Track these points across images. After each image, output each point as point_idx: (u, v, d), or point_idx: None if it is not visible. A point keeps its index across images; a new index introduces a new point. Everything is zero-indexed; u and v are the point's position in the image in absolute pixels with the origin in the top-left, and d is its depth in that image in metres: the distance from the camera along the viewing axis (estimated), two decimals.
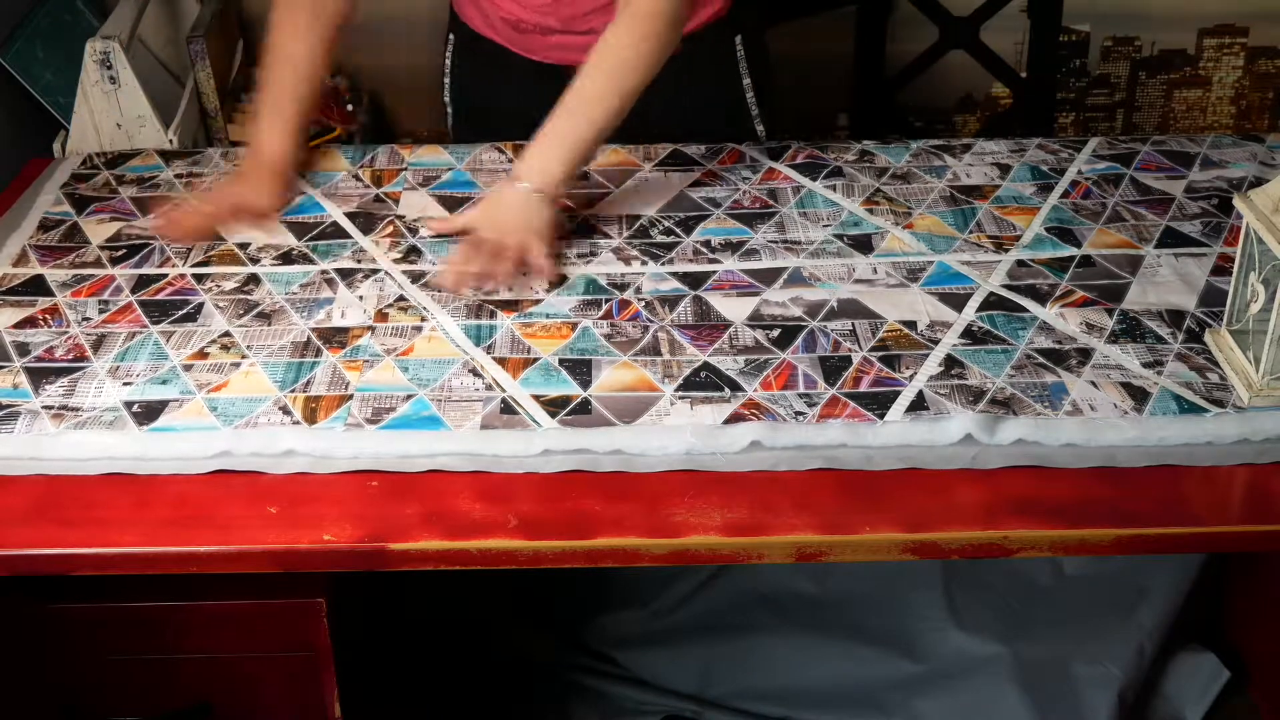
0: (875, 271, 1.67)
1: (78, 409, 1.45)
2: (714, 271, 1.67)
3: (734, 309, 1.60)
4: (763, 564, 1.67)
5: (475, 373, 1.50)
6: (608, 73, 1.70)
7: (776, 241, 1.73)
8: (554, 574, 1.65)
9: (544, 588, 2.10)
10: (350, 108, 2.57)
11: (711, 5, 1.92)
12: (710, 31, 1.92)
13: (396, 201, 1.84)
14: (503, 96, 1.96)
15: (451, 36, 2.05)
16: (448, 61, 2.07)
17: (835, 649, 2.05)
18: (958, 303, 1.61)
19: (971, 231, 1.75)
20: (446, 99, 2.09)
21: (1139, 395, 1.45)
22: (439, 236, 1.74)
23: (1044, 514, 1.34)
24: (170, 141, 2.15)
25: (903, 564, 2.00)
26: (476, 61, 2.01)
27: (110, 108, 2.11)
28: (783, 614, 2.08)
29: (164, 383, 1.48)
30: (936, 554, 1.35)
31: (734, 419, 1.42)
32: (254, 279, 1.67)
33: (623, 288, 1.65)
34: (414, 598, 2.05)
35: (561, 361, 1.52)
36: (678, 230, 1.76)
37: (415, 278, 1.67)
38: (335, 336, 1.56)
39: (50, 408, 1.45)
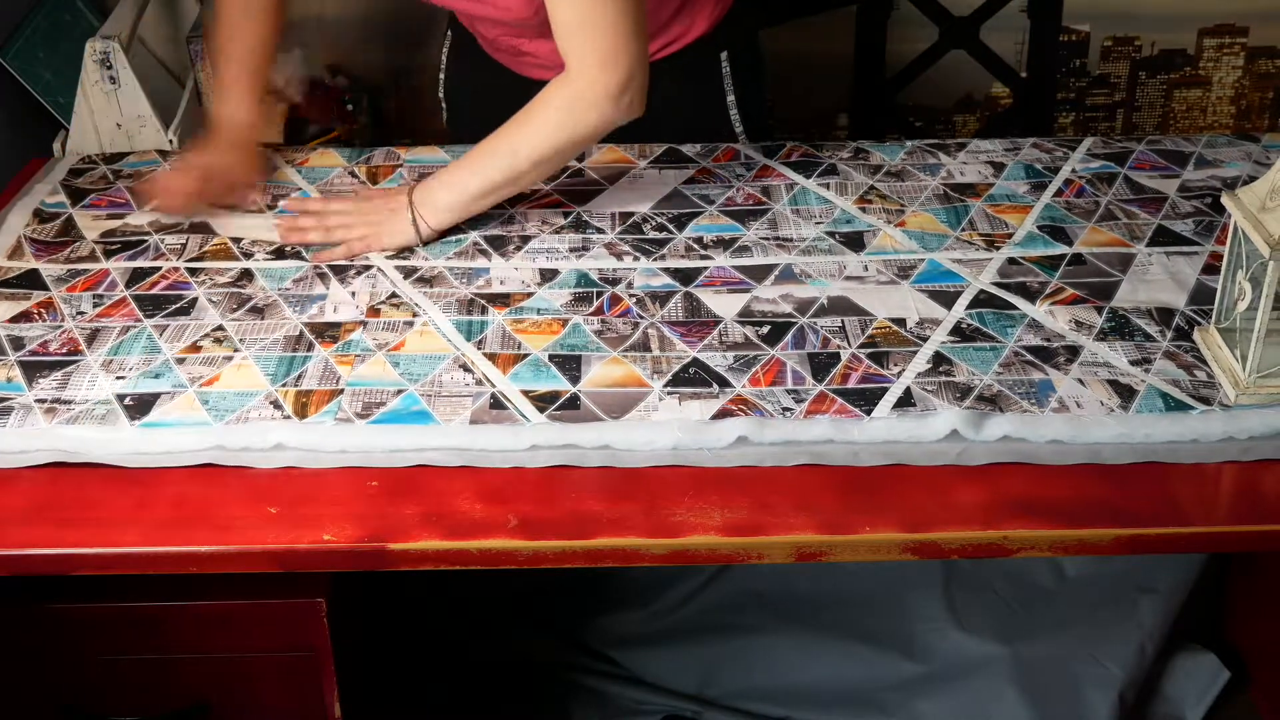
0: (866, 269, 1.67)
1: (70, 402, 1.46)
2: (705, 268, 1.68)
3: (724, 305, 1.60)
4: (762, 564, 1.67)
5: (465, 368, 1.51)
6: (520, 131, 1.68)
7: (768, 239, 1.74)
8: (554, 574, 1.66)
9: (544, 588, 2.11)
10: (350, 108, 2.58)
11: (696, 26, 1.92)
12: (693, 50, 1.93)
13: None
14: (491, 98, 1.97)
15: (449, 34, 2.07)
16: (444, 58, 2.09)
17: (835, 649, 2.05)
18: (948, 300, 1.61)
19: (963, 229, 1.75)
20: (440, 95, 2.11)
21: (1126, 393, 1.45)
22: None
23: (1044, 514, 1.34)
24: (170, 141, 2.15)
25: (903, 564, 2.01)
26: (469, 62, 2.02)
27: (110, 108, 2.11)
28: (783, 614, 2.08)
29: (156, 376, 1.49)
30: (936, 554, 1.35)
31: (721, 414, 1.43)
32: (247, 274, 1.68)
33: (614, 283, 1.65)
34: (414, 598, 2.05)
35: (551, 357, 1.52)
36: (670, 227, 1.76)
37: (408, 273, 1.68)
38: (327, 331, 1.57)
39: (43, 401, 1.46)
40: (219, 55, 1.89)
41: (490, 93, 1.97)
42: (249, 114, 1.87)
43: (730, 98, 1.96)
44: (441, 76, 2.10)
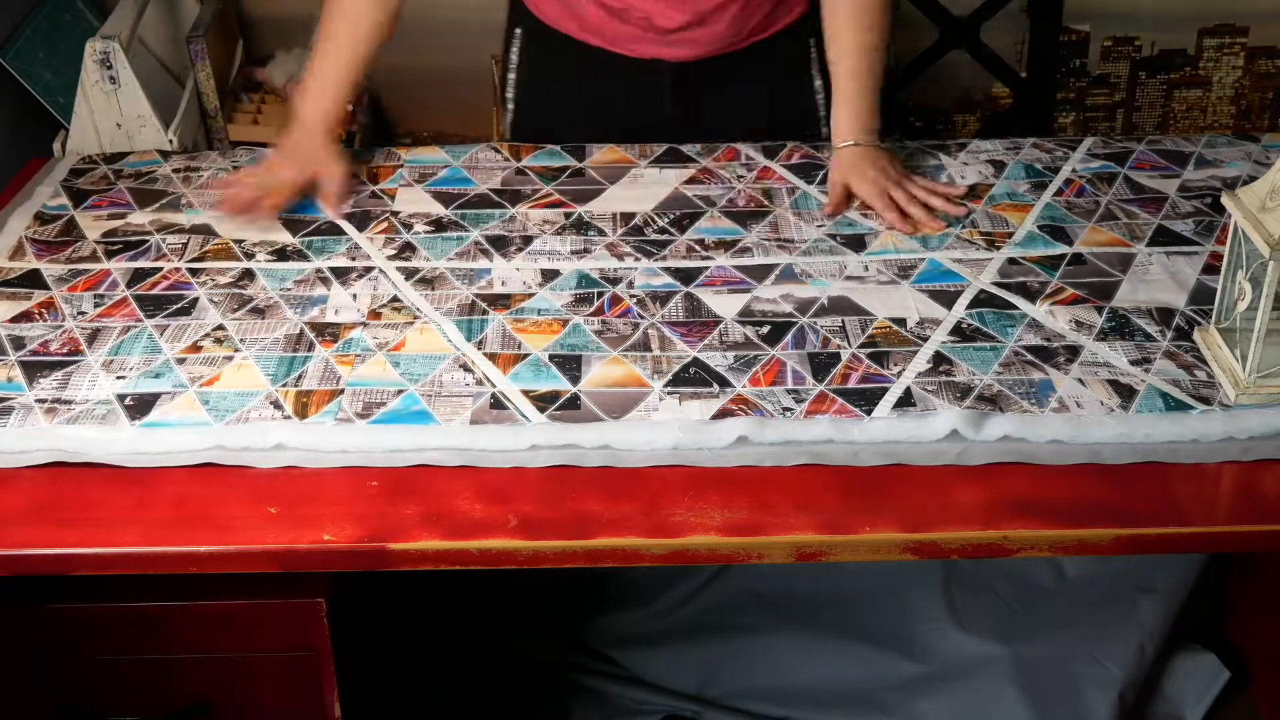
0: (866, 269, 1.67)
1: (70, 402, 1.46)
2: (706, 267, 1.68)
3: (724, 305, 1.60)
4: (762, 564, 1.67)
5: (465, 368, 1.51)
6: (868, 25, 1.84)
7: (769, 240, 1.73)
8: (554, 574, 1.66)
9: (544, 588, 2.10)
10: (350, 108, 2.57)
11: (790, 13, 1.92)
12: (785, 35, 1.93)
13: (392, 198, 1.84)
14: (572, 92, 1.95)
15: (518, 31, 2.01)
16: (513, 56, 2.02)
17: (835, 649, 2.05)
18: (948, 300, 1.61)
19: (964, 229, 1.75)
20: (509, 95, 2.05)
21: (1126, 393, 1.45)
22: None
23: (1044, 514, 1.34)
24: (170, 142, 2.16)
25: (903, 564, 2.00)
26: (548, 56, 1.99)
27: (110, 108, 2.12)
28: (783, 614, 2.08)
29: (157, 376, 1.49)
30: (936, 554, 1.35)
31: (721, 414, 1.42)
32: (249, 274, 1.68)
33: (614, 282, 1.65)
34: (414, 598, 2.05)
35: (551, 357, 1.52)
36: (671, 229, 1.76)
37: (409, 275, 1.67)
38: (328, 330, 1.57)
39: (44, 401, 1.46)
40: (315, 54, 1.88)
41: (571, 86, 1.96)
42: (335, 114, 1.87)
43: (817, 82, 1.97)
44: (511, 76, 2.03)
